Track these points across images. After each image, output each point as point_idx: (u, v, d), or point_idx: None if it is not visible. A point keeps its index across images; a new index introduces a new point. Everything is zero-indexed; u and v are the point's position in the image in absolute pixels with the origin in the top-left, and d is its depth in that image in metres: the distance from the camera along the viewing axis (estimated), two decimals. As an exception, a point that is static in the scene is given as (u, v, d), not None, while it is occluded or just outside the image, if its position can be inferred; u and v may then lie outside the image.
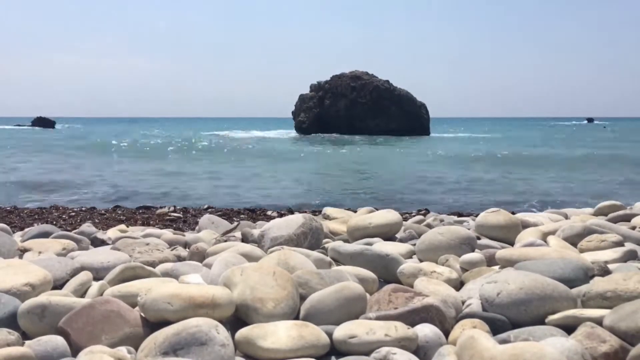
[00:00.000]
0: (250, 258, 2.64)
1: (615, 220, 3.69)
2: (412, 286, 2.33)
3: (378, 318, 1.95)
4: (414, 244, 3.05)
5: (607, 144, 27.02)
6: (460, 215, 5.75)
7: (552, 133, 46.16)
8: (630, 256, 2.69)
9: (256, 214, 6.79)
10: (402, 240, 3.26)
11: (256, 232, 3.26)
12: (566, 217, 4.07)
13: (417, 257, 2.94)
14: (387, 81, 38.56)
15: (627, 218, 3.77)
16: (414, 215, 5.11)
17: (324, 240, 3.19)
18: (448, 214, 5.40)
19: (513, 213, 3.83)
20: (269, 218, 6.23)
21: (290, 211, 7.00)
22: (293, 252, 2.54)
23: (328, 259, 2.67)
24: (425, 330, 1.87)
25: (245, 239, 3.28)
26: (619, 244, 2.85)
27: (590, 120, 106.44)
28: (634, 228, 3.46)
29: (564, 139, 36.03)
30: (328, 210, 4.29)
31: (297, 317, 2.04)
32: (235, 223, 4.14)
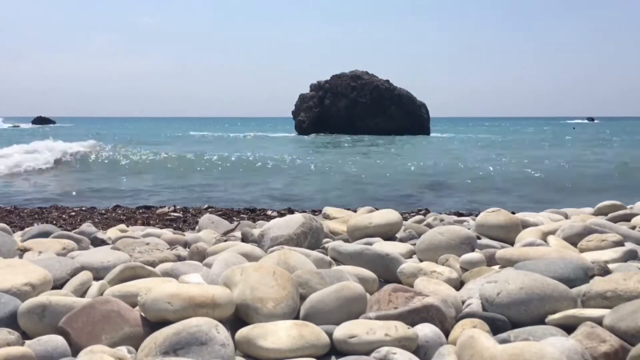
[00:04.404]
0: (250, 258, 2.64)
1: (615, 220, 3.69)
2: (412, 286, 2.33)
3: (378, 318, 1.95)
4: (414, 244, 3.05)
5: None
6: (460, 214, 5.75)
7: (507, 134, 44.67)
8: (630, 256, 2.69)
9: (256, 213, 6.79)
10: (402, 240, 3.26)
11: (256, 231, 3.26)
12: (566, 216, 4.07)
13: (417, 257, 2.94)
14: (387, 81, 38.55)
15: (627, 218, 3.77)
16: (414, 215, 5.11)
17: (324, 240, 3.19)
18: (448, 214, 5.40)
19: (513, 213, 3.83)
20: (269, 218, 6.23)
21: (290, 211, 7.00)
22: (293, 252, 2.54)
23: (328, 258, 2.67)
24: (426, 330, 1.87)
25: (245, 238, 3.28)
26: (619, 243, 2.85)
27: (590, 119, 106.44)
28: (634, 228, 3.46)
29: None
30: (328, 209, 4.29)
31: (297, 317, 2.04)
32: (236, 223, 4.14)
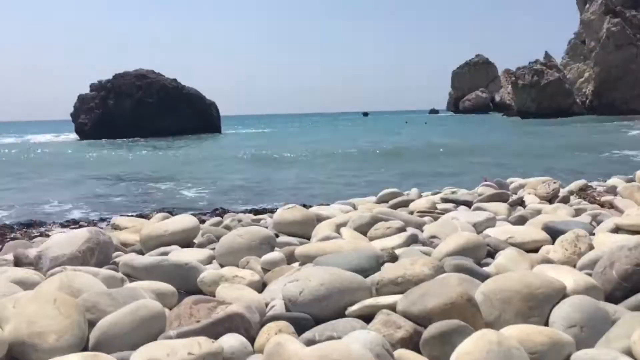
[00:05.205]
0: (26, 285, 2.29)
1: (396, 207, 4.02)
2: (214, 295, 2.23)
3: (179, 335, 1.81)
4: (214, 248, 2.95)
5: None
6: (257, 213, 5.78)
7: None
8: (412, 240, 2.93)
9: (33, 228, 6.03)
10: (201, 246, 3.14)
11: (32, 252, 2.85)
12: (354, 207, 4.31)
13: (218, 262, 2.85)
14: (175, 80, 37.56)
15: (405, 204, 4.13)
16: (210, 217, 5.00)
17: (115, 254, 2.92)
18: (244, 212, 5.39)
19: (306, 207, 3.95)
20: (48, 234, 5.57)
21: (75, 222, 6.36)
22: (78, 273, 2.26)
23: (120, 275, 2.44)
24: (230, 341, 1.79)
25: (18, 261, 2.84)
26: (402, 229, 3.09)
27: (365, 114, 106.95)
28: (412, 213, 3.80)
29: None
30: (117, 219, 3.97)
31: (86, 348, 1.81)
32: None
